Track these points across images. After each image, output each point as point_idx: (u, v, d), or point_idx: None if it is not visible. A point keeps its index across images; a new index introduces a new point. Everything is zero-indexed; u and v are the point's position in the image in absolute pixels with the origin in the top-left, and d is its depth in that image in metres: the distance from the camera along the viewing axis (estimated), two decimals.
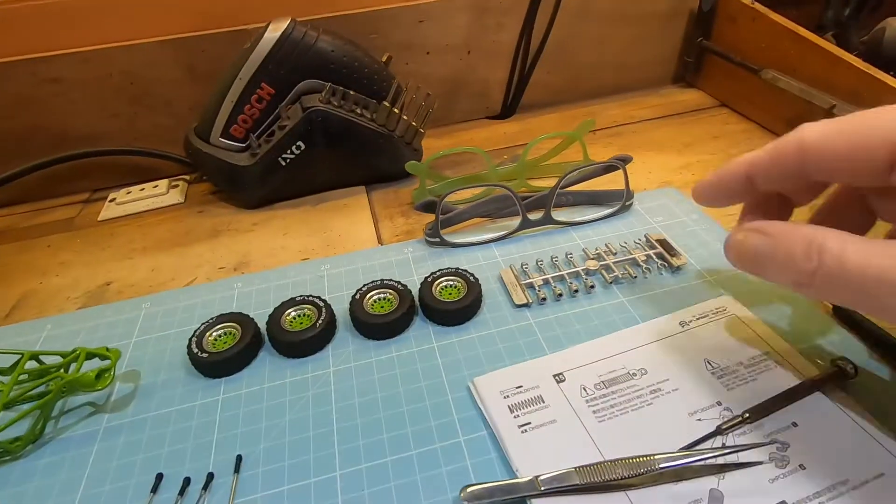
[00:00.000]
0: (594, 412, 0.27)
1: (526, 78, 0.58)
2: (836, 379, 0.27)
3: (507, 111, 0.60)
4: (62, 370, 0.29)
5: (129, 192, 0.50)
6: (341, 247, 0.42)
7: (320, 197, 0.48)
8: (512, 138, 0.56)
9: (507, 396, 0.28)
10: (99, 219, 0.48)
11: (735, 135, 0.52)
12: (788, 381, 0.28)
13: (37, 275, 0.42)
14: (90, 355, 0.29)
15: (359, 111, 0.45)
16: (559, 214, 0.41)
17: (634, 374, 0.29)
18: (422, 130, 0.48)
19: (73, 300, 0.39)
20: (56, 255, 0.44)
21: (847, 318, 0.31)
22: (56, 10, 0.46)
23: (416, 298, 0.34)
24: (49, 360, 0.30)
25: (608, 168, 0.42)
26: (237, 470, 0.26)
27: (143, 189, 0.50)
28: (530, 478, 0.24)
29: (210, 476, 0.26)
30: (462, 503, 0.23)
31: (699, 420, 0.27)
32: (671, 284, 0.35)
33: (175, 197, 0.50)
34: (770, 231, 0.21)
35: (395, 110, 0.46)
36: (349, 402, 0.29)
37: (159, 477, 0.26)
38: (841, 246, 0.19)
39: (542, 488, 0.23)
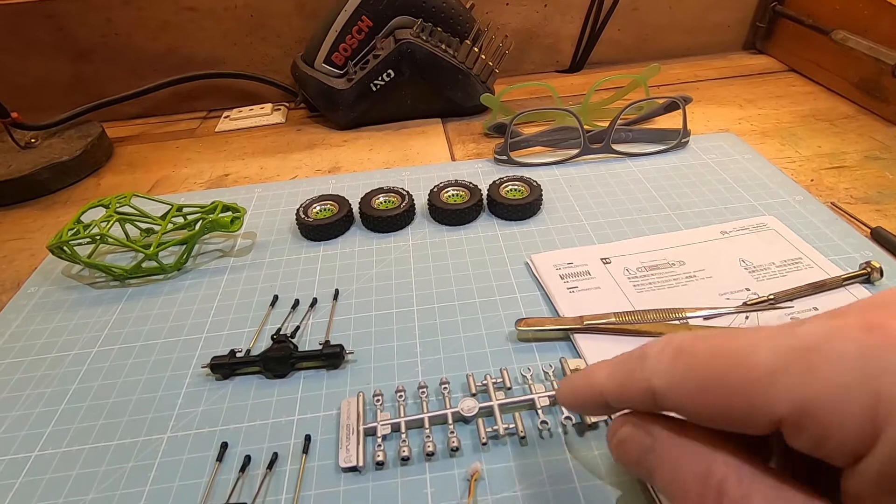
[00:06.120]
0: (634, 286, 0.32)
1: (597, 34, 0.61)
2: (862, 279, 0.30)
3: (575, 66, 0.64)
4: (206, 214, 0.36)
5: (240, 112, 0.59)
6: (419, 161, 0.48)
7: (401, 124, 0.54)
8: (578, 89, 0.60)
9: (559, 268, 0.33)
10: (216, 130, 0.57)
11: (799, 95, 0.54)
12: (816, 278, 0.31)
13: (169, 166, 0.51)
14: (225, 208, 0.37)
15: (443, 47, 0.51)
16: (618, 147, 0.45)
17: (673, 265, 0.33)
18: (496, 70, 0.53)
19: (199, 184, 0.47)
20: (183, 154, 0.53)
21: (883, 238, 0.34)
22: None
23: (485, 197, 0.40)
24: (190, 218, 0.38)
25: (668, 106, 0.46)
26: (335, 298, 0.33)
27: (251, 109, 0.59)
28: (577, 316, 0.29)
29: (314, 300, 0.33)
30: (517, 331, 0.29)
31: (727, 299, 0.31)
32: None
33: (277, 118, 0.58)
34: (658, 438, 0.17)
35: (475, 49, 0.51)
36: (425, 264, 0.35)
37: (275, 298, 0.33)
38: (743, 492, 0.14)
39: (585, 324, 0.28)
